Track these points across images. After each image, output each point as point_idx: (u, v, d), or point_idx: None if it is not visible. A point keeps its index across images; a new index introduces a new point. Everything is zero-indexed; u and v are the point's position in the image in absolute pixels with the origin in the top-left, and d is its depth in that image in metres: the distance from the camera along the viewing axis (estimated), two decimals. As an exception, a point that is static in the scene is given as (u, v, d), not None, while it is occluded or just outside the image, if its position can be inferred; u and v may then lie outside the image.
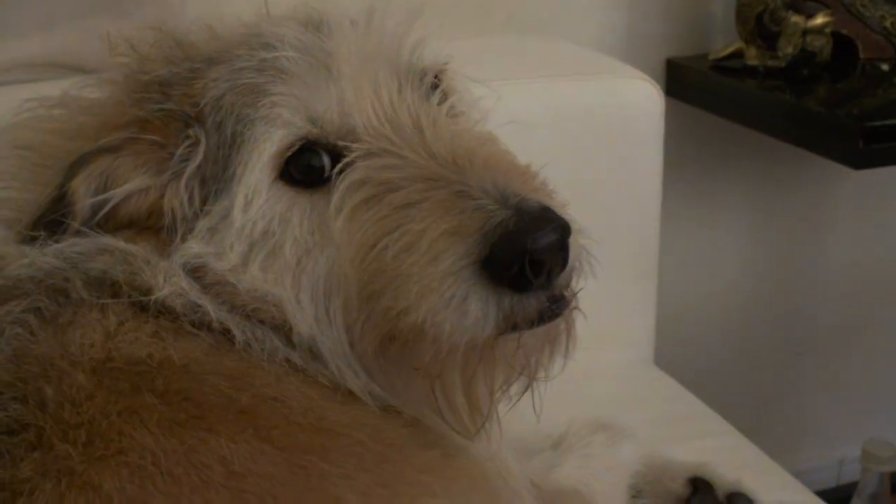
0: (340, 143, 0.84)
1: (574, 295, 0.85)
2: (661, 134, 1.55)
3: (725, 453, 1.32)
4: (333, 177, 0.84)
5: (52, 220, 0.85)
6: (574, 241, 0.82)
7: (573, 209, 1.47)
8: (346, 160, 0.84)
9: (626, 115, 1.52)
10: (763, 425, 1.87)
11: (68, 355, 0.75)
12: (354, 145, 0.84)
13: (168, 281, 0.83)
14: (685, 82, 1.98)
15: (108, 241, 0.85)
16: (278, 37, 0.88)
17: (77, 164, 0.86)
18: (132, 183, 0.86)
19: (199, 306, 0.83)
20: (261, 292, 0.84)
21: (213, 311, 0.83)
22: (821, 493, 1.40)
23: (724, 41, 2.05)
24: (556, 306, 0.82)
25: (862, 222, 2.33)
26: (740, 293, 2.28)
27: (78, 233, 0.85)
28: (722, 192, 2.19)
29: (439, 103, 0.92)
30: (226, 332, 0.83)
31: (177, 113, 0.88)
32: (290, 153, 0.85)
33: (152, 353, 0.77)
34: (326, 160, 0.85)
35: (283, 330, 0.84)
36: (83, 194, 0.85)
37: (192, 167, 0.86)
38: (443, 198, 0.79)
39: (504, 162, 0.86)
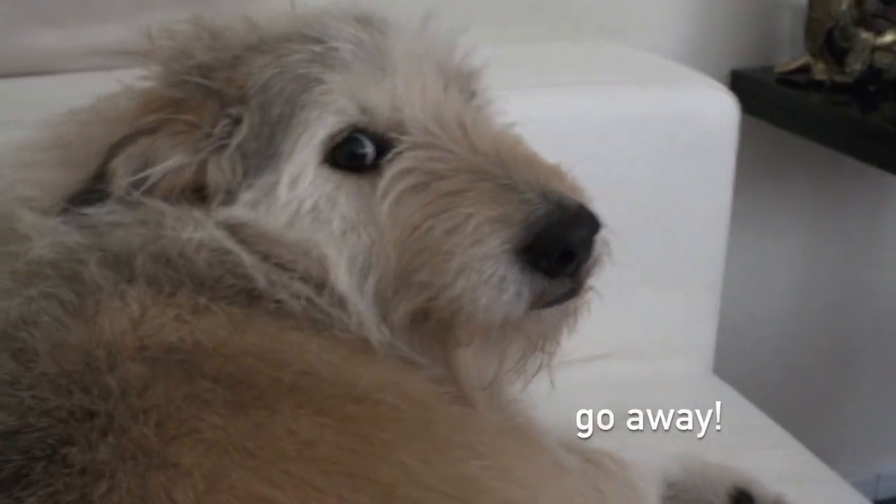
0: (389, 133, 0.90)
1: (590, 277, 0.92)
2: (735, 146, 1.55)
3: (791, 466, 1.33)
4: (384, 164, 0.89)
5: (88, 197, 0.89)
6: (599, 237, 0.89)
7: (646, 213, 1.50)
8: (395, 150, 0.89)
9: (702, 126, 1.52)
10: (806, 438, 1.87)
11: (104, 344, 0.77)
12: (403, 137, 0.90)
13: (198, 228, 0.87)
14: (750, 94, 1.97)
15: (143, 200, 0.89)
16: (335, 30, 0.93)
17: (116, 147, 0.90)
18: (169, 161, 0.90)
19: (229, 252, 0.87)
20: (306, 246, 0.89)
21: (246, 257, 0.87)
22: (860, 509, 1.40)
23: (790, 54, 2.05)
24: (577, 288, 0.90)
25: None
26: (795, 306, 2.29)
27: (118, 199, 0.89)
28: (783, 203, 2.19)
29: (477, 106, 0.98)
30: (247, 293, 0.86)
31: (214, 92, 0.92)
32: (340, 138, 0.90)
33: (182, 336, 0.79)
34: (370, 149, 0.90)
35: (313, 283, 0.88)
36: (122, 174, 0.89)
37: (235, 142, 0.91)
38: (489, 189, 0.86)
39: (541, 161, 0.92)
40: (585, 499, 0.96)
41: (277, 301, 0.87)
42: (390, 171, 0.89)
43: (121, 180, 0.90)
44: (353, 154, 0.90)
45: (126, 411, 0.72)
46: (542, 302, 0.87)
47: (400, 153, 0.89)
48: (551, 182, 0.88)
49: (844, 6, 1.91)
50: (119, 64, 1.48)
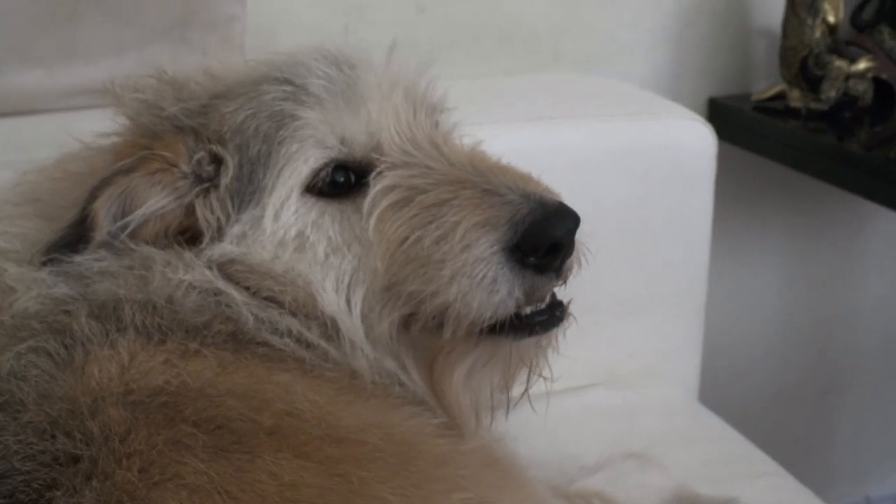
0: (368, 157, 0.95)
1: (569, 303, 0.97)
2: (713, 175, 1.57)
3: (778, 495, 1.34)
4: (364, 186, 0.94)
5: (71, 242, 0.90)
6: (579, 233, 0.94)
7: (627, 244, 1.51)
8: (376, 170, 0.94)
9: (680, 156, 1.54)
10: (795, 462, 1.88)
11: (90, 391, 0.78)
12: (381, 158, 0.95)
13: (188, 270, 0.90)
14: (727, 121, 2.01)
15: (131, 246, 0.91)
16: (304, 69, 0.97)
17: (96, 190, 0.92)
18: (150, 202, 0.93)
19: (220, 292, 0.89)
20: (292, 275, 0.92)
21: (237, 295, 0.89)
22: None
23: (766, 82, 2.08)
24: (560, 312, 0.95)
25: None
26: (777, 331, 2.30)
27: (104, 244, 0.91)
28: (762, 229, 2.21)
29: None
30: (234, 338, 0.88)
31: (188, 130, 0.96)
32: (324, 174, 0.94)
33: (168, 379, 0.80)
34: (351, 176, 0.95)
35: (302, 313, 0.92)
36: (104, 217, 0.91)
37: (224, 183, 0.94)
38: (471, 195, 0.90)
39: (515, 169, 0.97)
40: None
41: (265, 343, 0.89)
42: (373, 190, 0.93)
43: (103, 222, 0.91)
44: (335, 182, 0.94)
45: (109, 456, 0.73)
46: (532, 298, 0.90)
47: (381, 173, 0.94)
48: (528, 185, 0.93)
49: (818, 34, 1.93)
50: (102, 103, 1.50)
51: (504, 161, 1.00)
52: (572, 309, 0.96)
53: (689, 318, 1.62)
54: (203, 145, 0.95)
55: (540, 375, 1.00)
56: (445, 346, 0.93)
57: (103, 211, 0.91)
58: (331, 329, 0.92)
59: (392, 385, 0.93)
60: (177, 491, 0.71)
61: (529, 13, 1.93)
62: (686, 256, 1.58)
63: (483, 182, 0.91)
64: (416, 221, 0.91)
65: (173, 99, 0.99)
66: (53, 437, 0.74)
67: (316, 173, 0.94)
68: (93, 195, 0.91)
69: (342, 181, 0.95)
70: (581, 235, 0.93)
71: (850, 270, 2.32)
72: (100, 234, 0.91)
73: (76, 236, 0.91)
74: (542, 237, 0.88)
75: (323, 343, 0.91)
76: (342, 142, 0.94)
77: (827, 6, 1.91)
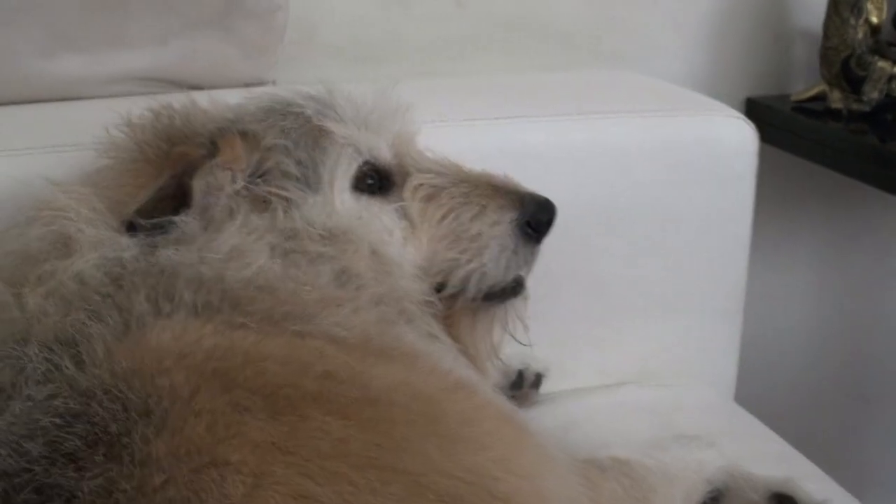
0: (390, 166, 1.14)
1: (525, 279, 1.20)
2: (754, 173, 1.56)
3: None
4: (392, 187, 1.14)
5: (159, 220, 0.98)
6: None
7: (666, 240, 1.51)
8: (405, 173, 1.15)
9: (720, 152, 1.53)
10: (826, 469, 1.87)
11: (151, 351, 0.84)
12: (404, 165, 1.15)
13: (250, 250, 1.00)
14: (765, 122, 1.98)
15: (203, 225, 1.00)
16: (329, 95, 1.14)
17: (190, 167, 1.02)
18: (226, 187, 1.03)
19: (269, 269, 0.99)
20: (351, 235, 1.07)
21: (280, 269, 0.99)
22: (880, 543, 1.40)
23: (805, 83, 2.06)
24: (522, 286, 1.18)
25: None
26: (814, 335, 2.28)
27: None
28: (800, 231, 2.19)
29: None
30: (273, 315, 0.94)
31: (241, 134, 1.07)
32: (363, 171, 1.12)
33: (218, 342, 0.87)
34: (377, 179, 1.14)
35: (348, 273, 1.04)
36: (199, 193, 1.01)
37: (288, 169, 1.07)
38: (485, 188, 1.15)
39: (497, 175, 1.18)
40: (578, 488, 1.02)
41: (301, 320, 0.95)
42: (409, 185, 1.14)
43: (198, 198, 1.01)
44: (369, 184, 1.13)
45: (179, 413, 0.79)
46: (529, 261, 1.16)
47: (410, 174, 1.15)
48: (513, 182, 1.18)
49: (860, 35, 1.92)
50: (145, 90, 1.51)
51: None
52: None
53: (726, 318, 1.60)
54: (257, 145, 1.08)
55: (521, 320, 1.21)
56: (456, 313, 1.14)
57: (199, 188, 1.01)
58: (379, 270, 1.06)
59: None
60: (241, 446, 0.76)
61: (568, 10, 1.93)
62: (726, 254, 1.57)
63: (486, 180, 1.15)
64: (453, 203, 1.13)
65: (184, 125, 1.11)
66: (127, 389, 0.80)
67: (360, 169, 1.12)
68: (187, 171, 1.01)
69: (373, 183, 1.13)
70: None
71: (891, 272, 2.29)
72: (195, 209, 1.00)
73: (168, 209, 1.00)
74: (542, 215, 1.15)
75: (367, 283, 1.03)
76: (369, 150, 1.13)
77: (870, 6, 1.90)
